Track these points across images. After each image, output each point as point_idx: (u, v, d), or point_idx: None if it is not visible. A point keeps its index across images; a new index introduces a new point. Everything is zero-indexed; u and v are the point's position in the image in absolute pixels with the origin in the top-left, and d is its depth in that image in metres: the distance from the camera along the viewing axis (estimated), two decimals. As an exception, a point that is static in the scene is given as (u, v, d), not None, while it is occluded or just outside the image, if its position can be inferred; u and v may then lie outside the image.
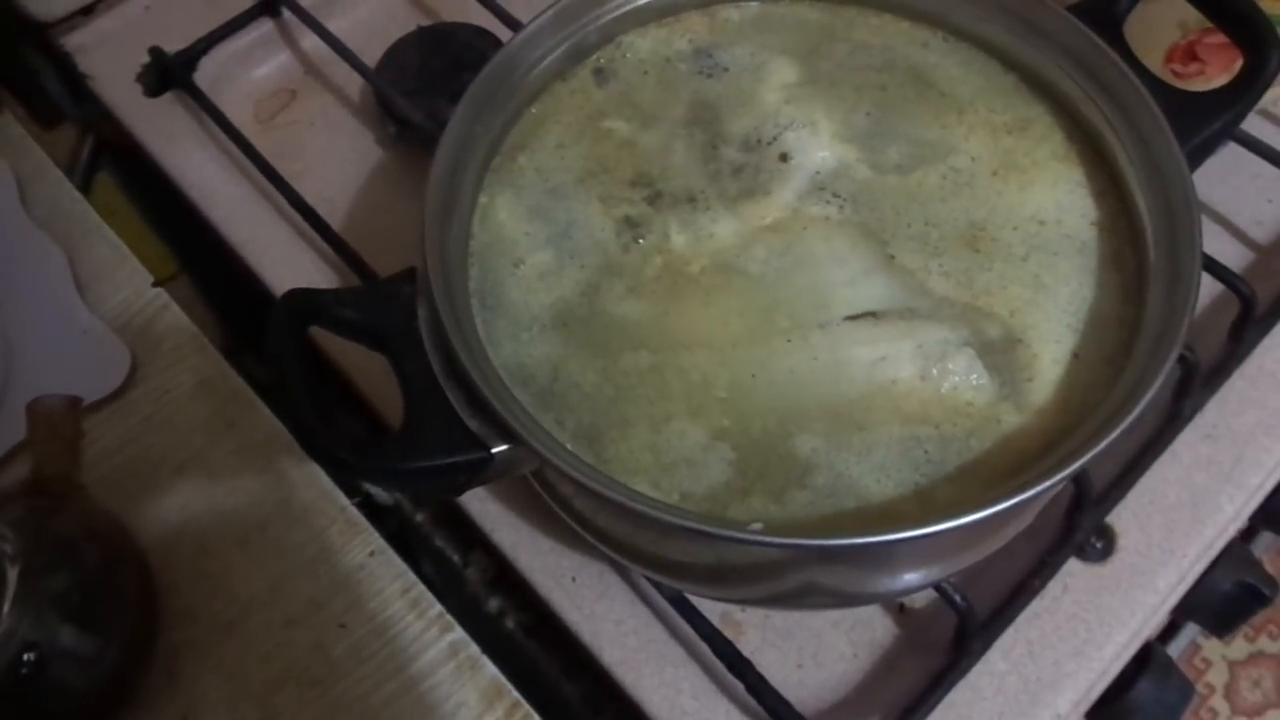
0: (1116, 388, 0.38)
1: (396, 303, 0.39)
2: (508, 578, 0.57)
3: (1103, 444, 0.34)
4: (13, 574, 0.42)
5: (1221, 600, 0.56)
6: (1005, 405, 0.39)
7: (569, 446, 0.38)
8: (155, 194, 0.69)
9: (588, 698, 0.53)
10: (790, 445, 0.39)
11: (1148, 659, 0.54)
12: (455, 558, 0.57)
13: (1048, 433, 0.39)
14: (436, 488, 0.39)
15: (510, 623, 0.56)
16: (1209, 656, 1.43)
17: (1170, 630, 0.68)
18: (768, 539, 0.33)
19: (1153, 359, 0.36)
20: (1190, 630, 0.68)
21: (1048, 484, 0.34)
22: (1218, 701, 1.41)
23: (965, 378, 0.39)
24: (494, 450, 0.37)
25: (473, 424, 0.37)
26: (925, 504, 0.37)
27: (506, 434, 0.36)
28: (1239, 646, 1.44)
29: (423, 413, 0.38)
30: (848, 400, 0.39)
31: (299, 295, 0.39)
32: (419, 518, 0.59)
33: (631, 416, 0.39)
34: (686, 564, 0.41)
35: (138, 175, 0.71)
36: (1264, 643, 1.44)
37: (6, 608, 0.41)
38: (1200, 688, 1.41)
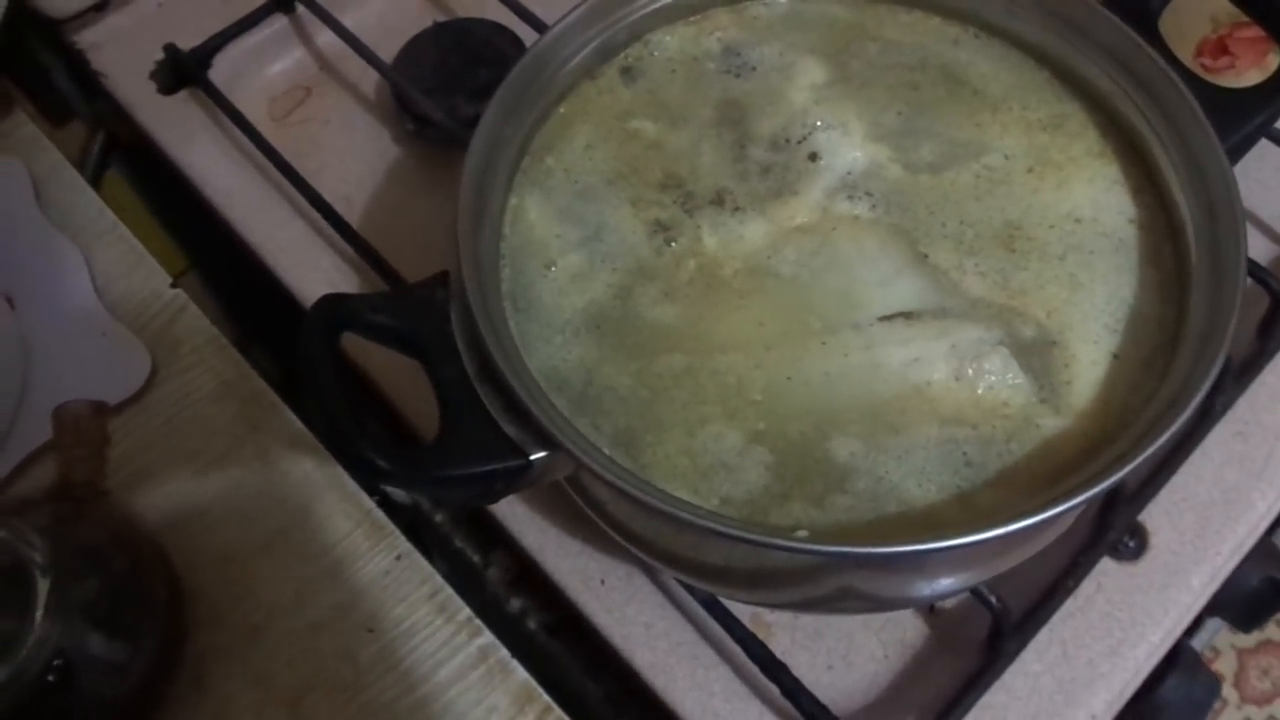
0: (1160, 392, 0.37)
1: (430, 307, 0.39)
2: (530, 578, 0.56)
3: (1150, 450, 0.34)
4: (44, 585, 0.41)
5: (1248, 596, 0.56)
6: (1044, 408, 0.39)
7: (606, 452, 0.38)
8: (166, 191, 0.69)
9: (610, 698, 0.53)
10: (828, 448, 0.38)
11: (1176, 656, 0.53)
12: (475, 558, 0.57)
13: (1089, 436, 0.38)
14: (473, 496, 0.39)
15: (532, 623, 0.55)
16: (1218, 645, 1.43)
17: (1193, 625, 0.68)
18: (815, 547, 0.33)
19: (1198, 363, 0.36)
20: (1212, 625, 0.68)
21: (1095, 491, 0.33)
22: (1226, 690, 1.41)
23: (1001, 377, 0.39)
24: (532, 457, 0.36)
25: (510, 430, 0.36)
26: (968, 509, 0.37)
27: (545, 440, 0.36)
28: (1248, 635, 1.45)
29: (459, 420, 0.37)
30: (883, 402, 0.39)
31: (331, 301, 0.38)
32: (438, 517, 0.58)
33: (667, 420, 0.39)
34: (724, 569, 0.41)
35: (148, 172, 0.71)
36: (1273, 631, 1.44)
37: (39, 617, 0.41)
38: (1210, 676, 1.41)
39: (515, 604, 0.56)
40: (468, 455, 0.36)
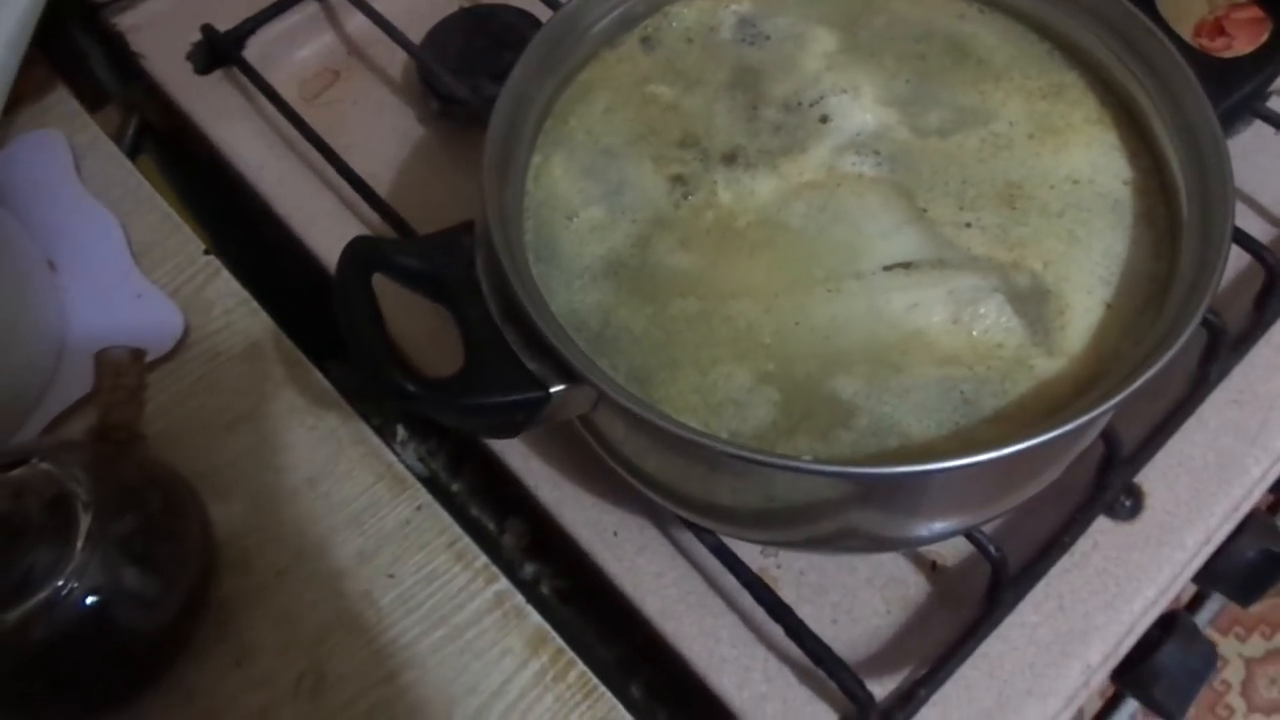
0: (1150, 333, 0.39)
1: (455, 252, 0.41)
2: (544, 544, 0.58)
3: (1138, 383, 0.35)
4: (86, 517, 0.43)
5: (1245, 568, 0.57)
6: (1037, 350, 0.41)
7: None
8: (196, 176, 0.71)
9: (622, 661, 0.54)
10: (832, 387, 0.40)
11: (1173, 624, 0.55)
12: (491, 526, 0.59)
13: (1080, 378, 0.40)
14: (495, 426, 0.41)
15: (545, 588, 0.57)
16: (1225, 654, 1.44)
17: (1195, 602, 0.69)
18: (819, 467, 0.35)
19: (1185, 307, 0.38)
20: (1213, 604, 0.70)
21: (1085, 419, 0.35)
22: (1234, 699, 1.42)
23: (996, 321, 0.41)
24: (552, 390, 0.38)
25: (532, 365, 0.38)
26: (965, 444, 0.39)
27: (565, 373, 0.38)
28: (1255, 644, 1.45)
29: (483, 356, 0.39)
30: (885, 344, 0.41)
31: (364, 242, 0.40)
32: (455, 487, 0.60)
33: (680, 360, 0.41)
34: (731, 508, 0.43)
35: (179, 157, 0.73)
36: (1281, 640, 1.45)
37: (79, 546, 0.43)
38: (1216, 684, 1.42)
39: (529, 570, 0.57)
40: (491, 387, 0.38)
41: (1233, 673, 1.44)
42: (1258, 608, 1.45)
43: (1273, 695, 1.43)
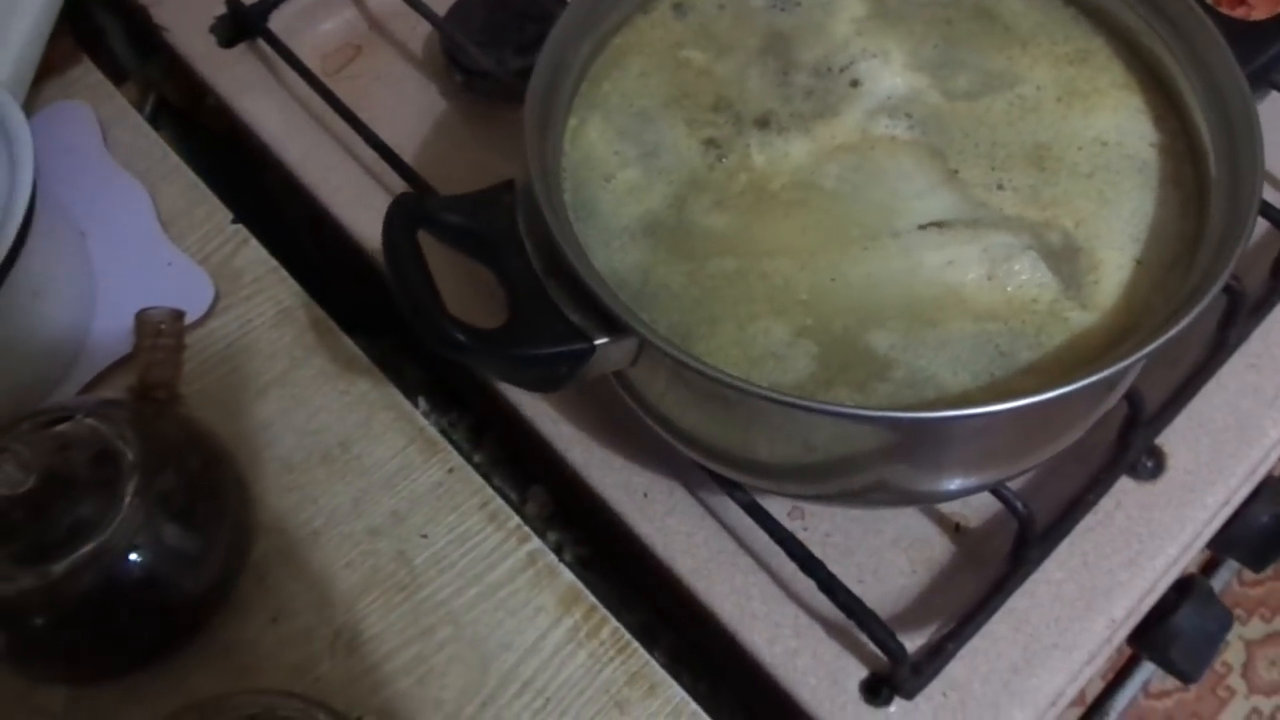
0: (1181, 288, 0.40)
1: (497, 208, 0.42)
2: (566, 512, 0.59)
3: (1171, 332, 0.36)
4: (133, 472, 0.44)
5: (1259, 533, 0.58)
6: (1070, 304, 0.42)
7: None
8: (212, 154, 0.72)
9: (645, 626, 0.55)
10: (869, 341, 0.41)
11: (1189, 588, 0.56)
12: (513, 495, 0.60)
13: (1113, 331, 0.41)
14: (538, 379, 0.41)
15: (568, 556, 0.58)
16: (1226, 636, 1.45)
17: (1207, 570, 0.70)
18: (862, 412, 0.36)
19: (1216, 260, 0.39)
20: (1225, 573, 0.71)
21: (1120, 366, 0.36)
22: (1235, 680, 1.43)
23: (1030, 277, 0.42)
24: (596, 342, 0.39)
25: (575, 318, 0.39)
26: (1001, 394, 0.39)
27: (608, 325, 0.39)
28: (1256, 627, 1.46)
29: (527, 310, 0.40)
30: (921, 300, 0.42)
31: (410, 198, 0.41)
32: (476, 458, 0.61)
33: (719, 316, 0.42)
34: (768, 459, 0.44)
35: (196, 135, 0.74)
36: (1280, 623, 1.46)
37: (127, 500, 0.43)
38: (1217, 666, 1.43)
39: (551, 538, 0.58)
40: (537, 339, 0.39)
41: (1234, 655, 1.45)
42: (1258, 590, 1.46)
43: (1273, 677, 1.44)
